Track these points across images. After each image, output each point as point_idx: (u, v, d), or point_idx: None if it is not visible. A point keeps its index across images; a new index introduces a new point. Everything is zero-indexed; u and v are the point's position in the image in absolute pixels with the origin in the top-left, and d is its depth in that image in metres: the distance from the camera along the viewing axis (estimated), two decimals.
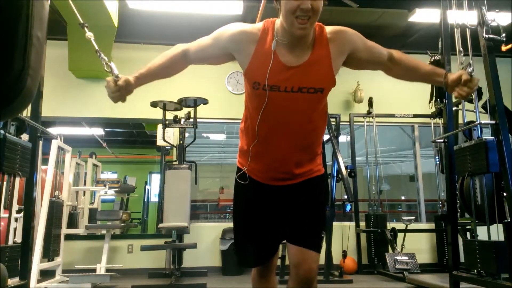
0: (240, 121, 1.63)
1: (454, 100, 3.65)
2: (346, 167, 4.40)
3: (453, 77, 1.41)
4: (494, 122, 2.87)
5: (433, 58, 4.68)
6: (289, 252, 1.50)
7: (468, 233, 4.56)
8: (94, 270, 4.17)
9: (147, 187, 8.84)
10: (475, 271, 3.03)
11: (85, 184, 5.74)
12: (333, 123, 4.99)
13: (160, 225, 4.18)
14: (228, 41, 1.45)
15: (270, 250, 1.62)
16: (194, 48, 1.52)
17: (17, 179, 2.92)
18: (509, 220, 2.80)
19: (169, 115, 4.64)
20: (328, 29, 1.45)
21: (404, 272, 4.36)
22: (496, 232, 3.05)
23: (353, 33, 1.48)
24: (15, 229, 3.63)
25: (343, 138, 6.96)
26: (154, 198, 8.65)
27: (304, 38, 1.39)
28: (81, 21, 1.52)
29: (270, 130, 1.47)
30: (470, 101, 3.78)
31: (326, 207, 4.38)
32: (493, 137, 2.91)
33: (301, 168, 1.52)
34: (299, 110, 1.44)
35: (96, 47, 1.45)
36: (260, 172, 1.55)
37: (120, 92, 1.37)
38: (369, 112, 5.57)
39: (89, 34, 1.50)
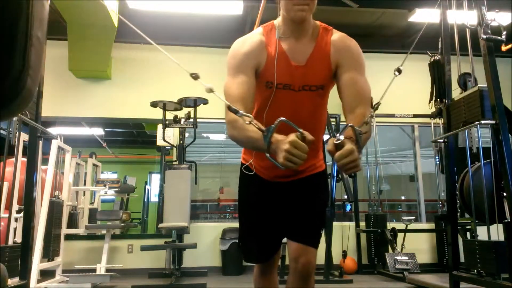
0: None
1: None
2: None
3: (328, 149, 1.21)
4: (494, 122, 2.88)
5: (432, 58, 4.69)
6: (289, 247, 1.54)
7: (468, 233, 4.56)
8: (94, 270, 4.17)
9: (147, 187, 8.83)
10: (475, 271, 3.03)
11: (85, 184, 5.74)
12: (333, 123, 4.99)
13: (160, 225, 4.18)
14: (249, 59, 1.41)
15: (272, 246, 1.65)
16: (241, 99, 1.37)
17: (17, 179, 2.92)
18: (509, 220, 2.80)
19: (169, 115, 4.64)
20: (336, 33, 1.48)
21: (404, 272, 4.36)
22: (496, 232, 3.05)
23: (356, 47, 1.47)
24: (15, 229, 3.63)
25: None
26: (154, 198, 8.65)
27: (304, 25, 1.42)
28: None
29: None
30: None
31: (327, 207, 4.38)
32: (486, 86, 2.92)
33: (305, 163, 1.53)
34: (304, 107, 1.48)
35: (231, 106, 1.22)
36: (264, 169, 1.59)
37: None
38: None
39: (209, 86, 1.23)
